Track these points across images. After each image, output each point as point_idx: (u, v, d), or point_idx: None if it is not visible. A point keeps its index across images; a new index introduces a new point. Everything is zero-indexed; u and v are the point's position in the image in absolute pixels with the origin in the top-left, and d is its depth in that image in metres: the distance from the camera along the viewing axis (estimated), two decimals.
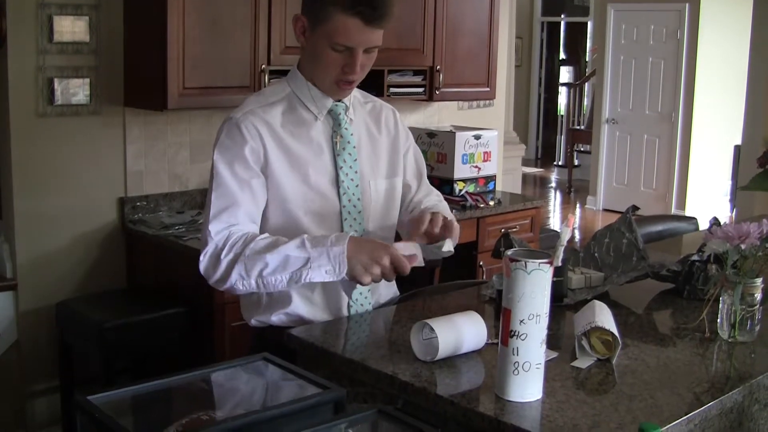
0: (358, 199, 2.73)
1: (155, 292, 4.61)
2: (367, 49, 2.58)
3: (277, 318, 2.72)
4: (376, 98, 2.96)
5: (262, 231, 2.65)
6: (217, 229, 2.55)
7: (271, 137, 2.62)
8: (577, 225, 11.15)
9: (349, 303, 2.76)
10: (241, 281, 2.52)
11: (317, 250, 2.45)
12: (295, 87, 2.72)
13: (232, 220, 2.56)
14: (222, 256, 2.51)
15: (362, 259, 2.45)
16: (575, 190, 13.36)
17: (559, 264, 2.76)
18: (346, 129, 2.73)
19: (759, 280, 2.48)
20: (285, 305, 2.70)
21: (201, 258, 2.57)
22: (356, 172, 2.73)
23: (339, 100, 2.72)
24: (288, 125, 2.66)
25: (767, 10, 8.50)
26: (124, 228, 4.77)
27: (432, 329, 2.28)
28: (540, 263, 1.98)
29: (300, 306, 2.70)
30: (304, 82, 2.70)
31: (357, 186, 2.73)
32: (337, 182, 2.70)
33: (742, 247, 2.45)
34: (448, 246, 2.56)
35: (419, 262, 2.51)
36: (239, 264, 2.49)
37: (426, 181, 3.06)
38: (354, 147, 2.74)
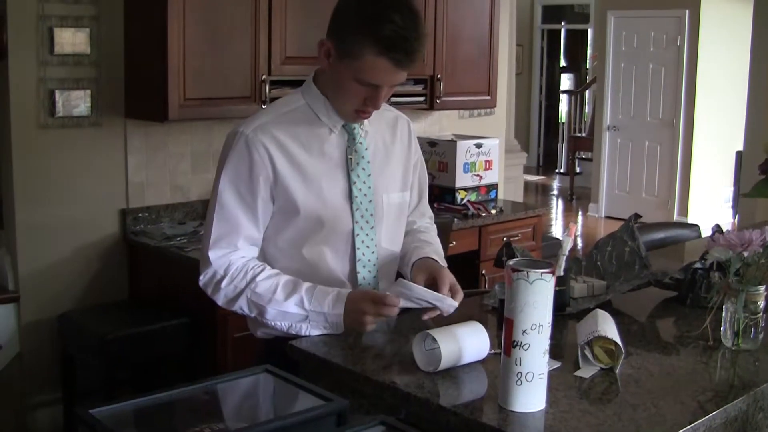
0: (371, 214, 2.71)
1: (157, 304, 4.61)
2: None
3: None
4: (391, 107, 2.93)
5: (273, 244, 2.67)
6: (217, 256, 2.60)
7: (282, 155, 2.58)
8: (579, 233, 11.15)
9: None
10: (241, 311, 2.65)
11: (315, 313, 2.56)
12: (310, 99, 2.67)
13: (232, 246, 2.61)
14: (222, 285, 2.60)
15: (355, 316, 2.53)
16: (577, 198, 13.36)
17: (561, 273, 2.76)
18: (360, 143, 2.70)
19: (762, 288, 2.47)
20: None
21: (201, 276, 2.64)
22: (369, 187, 2.70)
23: None
24: (301, 138, 2.62)
25: (767, 15, 8.50)
26: (126, 239, 4.77)
27: (434, 340, 2.27)
28: (542, 273, 1.97)
29: None
30: (320, 96, 2.65)
31: (370, 201, 2.71)
32: (350, 197, 2.67)
33: (745, 254, 2.44)
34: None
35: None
36: (240, 300, 2.60)
37: (425, 200, 3.05)
38: (368, 162, 2.71)
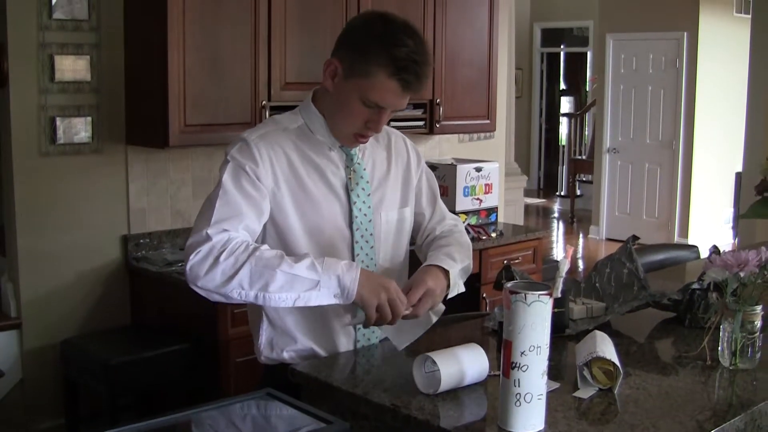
0: (371, 234, 2.72)
1: (159, 329, 4.62)
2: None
3: (287, 355, 2.70)
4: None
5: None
6: (215, 231, 2.43)
7: (282, 166, 2.58)
8: (580, 255, 11.16)
9: (356, 338, 2.75)
10: (238, 290, 2.41)
11: (328, 274, 2.41)
12: (309, 119, 2.67)
13: (232, 229, 2.47)
14: (221, 259, 2.39)
15: (370, 286, 2.44)
16: (578, 220, 13.36)
17: (559, 295, 2.77)
18: (358, 164, 2.70)
19: (759, 308, 2.49)
20: (294, 342, 2.69)
21: (191, 257, 2.41)
22: (369, 206, 2.71)
23: None
24: (301, 156, 2.62)
25: (765, 37, 8.53)
26: (128, 265, 4.79)
27: (434, 362, 2.29)
28: (540, 295, 1.99)
29: (309, 342, 2.70)
30: (319, 116, 2.65)
31: (370, 221, 2.71)
32: (350, 217, 2.67)
33: (742, 274, 2.46)
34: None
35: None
36: (242, 272, 2.39)
37: (440, 204, 3.01)
38: (367, 182, 2.72)
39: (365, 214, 2.70)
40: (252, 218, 2.52)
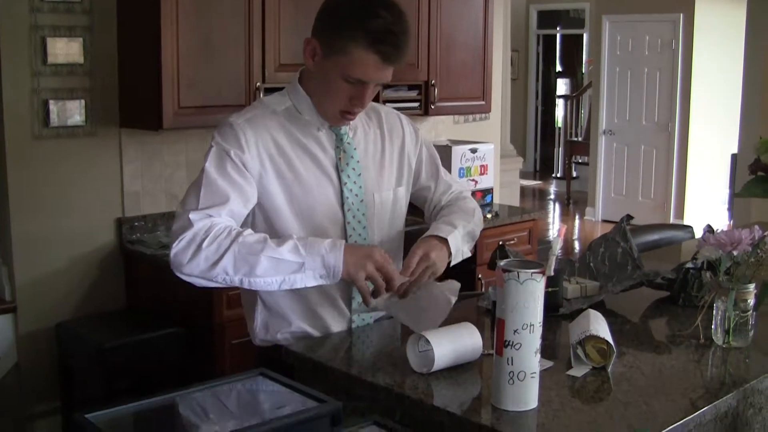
0: (363, 214, 2.70)
1: (154, 312, 4.62)
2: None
3: (281, 336, 2.69)
4: (375, 103, 2.86)
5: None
6: (198, 217, 2.43)
7: (269, 150, 2.57)
8: (576, 237, 11.17)
9: (351, 318, 2.75)
10: (223, 275, 2.42)
11: (311, 256, 2.40)
12: (296, 101, 2.66)
13: (216, 214, 2.46)
14: (204, 246, 2.39)
15: (354, 260, 2.42)
16: (574, 202, 13.37)
17: (552, 274, 2.77)
18: (348, 143, 2.68)
19: (752, 286, 2.49)
20: (289, 325, 2.69)
21: (174, 244, 2.44)
22: (360, 187, 2.69)
23: None
24: (291, 137, 2.61)
25: (760, 19, 8.53)
26: (122, 248, 4.79)
27: (427, 341, 2.29)
28: (532, 273, 1.98)
29: (303, 324, 2.69)
30: (306, 97, 2.64)
31: (362, 201, 2.69)
32: (341, 198, 2.66)
33: (735, 253, 2.47)
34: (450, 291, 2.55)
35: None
36: (226, 258, 2.38)
37: (443, 175, 2.99)
38: (358, 161, 2.69)
39: (356, 195, 2.68)
40: (237, 203, 2.50)
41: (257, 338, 2.75)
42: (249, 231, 2.45)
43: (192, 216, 2.43)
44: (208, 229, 2.41)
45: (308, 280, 2.43)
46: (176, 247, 2.44)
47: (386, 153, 2.81)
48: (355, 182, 2.68)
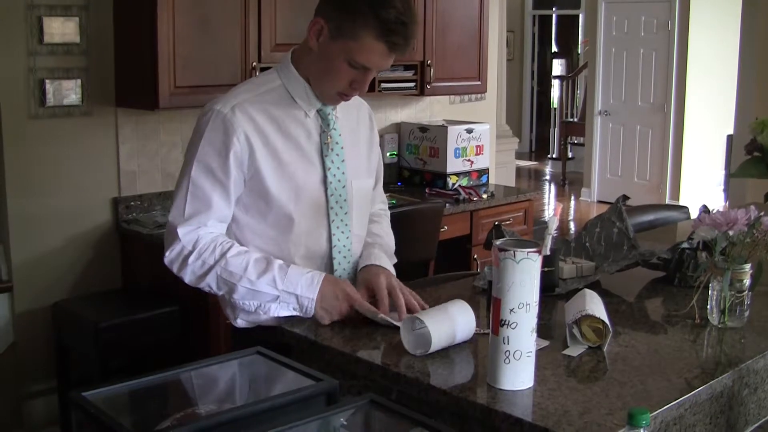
0: (345, 200, 2.72)
1: (150, 292, 4.62)
2: None
3: (268, 316, 2.66)
4: None
5: (249, 229, 2.66)
6: (185, 231, 2.57)
7: (258, 136, 2.58)
8: (572, 217, 11.18)
9: None
10: (208, 289, 2.62)
11: (288, 293, 2.54)
12: (287, 81, 2.66)
13: (202, 224, 2.58)
14: (190, 261, 2.57)
15: (329, 302, 2.55)
16: (569, 183, 13.38)
17: (548, 253, 2.77)
18: (334, 129, 2.70)
19: (747, 266, 2.49)
20: None
21: (167, 252, 2.61)
22: (343, 173, 2.71)
23: None
24: (277, 120, 2.62)
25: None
26: (119, 228, 4.79)
27: (422, 321, 2.29)
28: (528, 252, 1.99)
29: None
30: (299, 78, 2.65)
31: (344, 187, 2.72)
32: (325, 183, 2.68)
33: (730, 233, 2.47)
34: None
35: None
36: (209, 277, 2.57)
37: (380, 184, 3.07)
38: (342, 148, 2.71)
39: (339, 180, 2.71)
40: (222, 206, 2.60)
41: (238, 319, 2.73)
42: (232, 251, 2.57)
43: (179, 230, 2.59)
44: (195, 244, 2.58)
45: (282, 311, 2.58)
46: (168, 256, 2.63)
47: (360, 143, 2.86)
48: (338, 168, 2.71)
